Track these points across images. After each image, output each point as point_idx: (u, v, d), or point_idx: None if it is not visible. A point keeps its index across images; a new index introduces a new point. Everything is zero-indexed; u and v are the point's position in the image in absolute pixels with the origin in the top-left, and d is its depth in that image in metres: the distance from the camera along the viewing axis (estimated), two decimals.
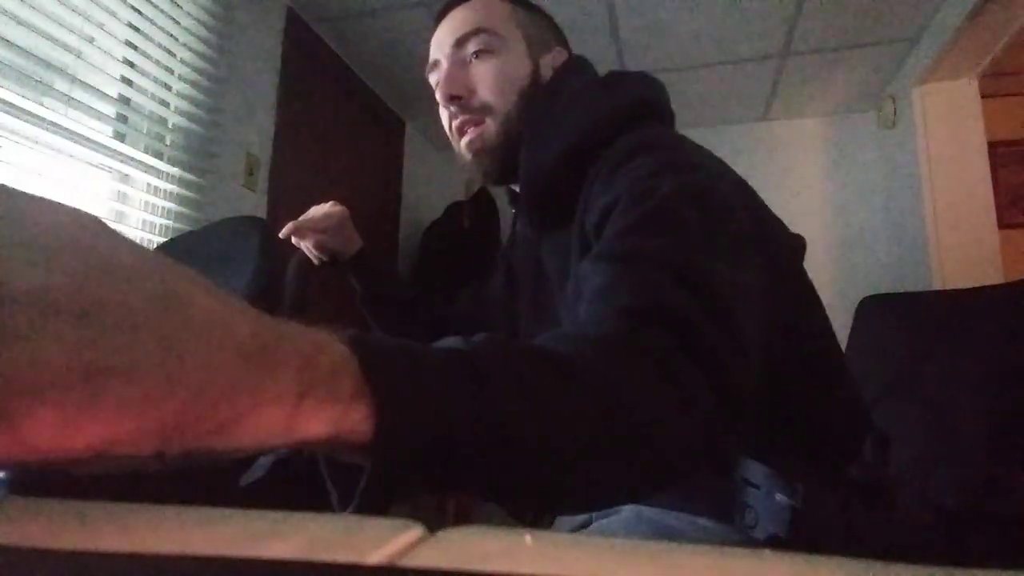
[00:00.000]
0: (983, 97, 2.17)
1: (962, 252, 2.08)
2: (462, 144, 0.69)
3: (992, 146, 2.22)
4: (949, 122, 2.17)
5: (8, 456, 0.18)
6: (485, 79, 0.67)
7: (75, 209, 0.21)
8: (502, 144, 0.67)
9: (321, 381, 0.24)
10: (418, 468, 0.27)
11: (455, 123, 0.69)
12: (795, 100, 2.65)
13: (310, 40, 2.11)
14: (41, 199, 0.20)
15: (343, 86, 2.35)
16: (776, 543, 0.47)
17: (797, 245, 0.63)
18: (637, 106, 0.64)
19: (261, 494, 0.37)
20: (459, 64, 0.68)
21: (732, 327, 0.40)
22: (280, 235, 0.84)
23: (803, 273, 0.63)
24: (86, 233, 0.20)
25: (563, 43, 0.75)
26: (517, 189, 0.71)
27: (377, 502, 0.27)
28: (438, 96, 0.69)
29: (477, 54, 0.68)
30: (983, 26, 1.83)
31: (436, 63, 0.70)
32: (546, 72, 0.70)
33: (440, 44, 0.70)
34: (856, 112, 2.72)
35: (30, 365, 0.17)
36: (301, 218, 0.84)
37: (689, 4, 1.98)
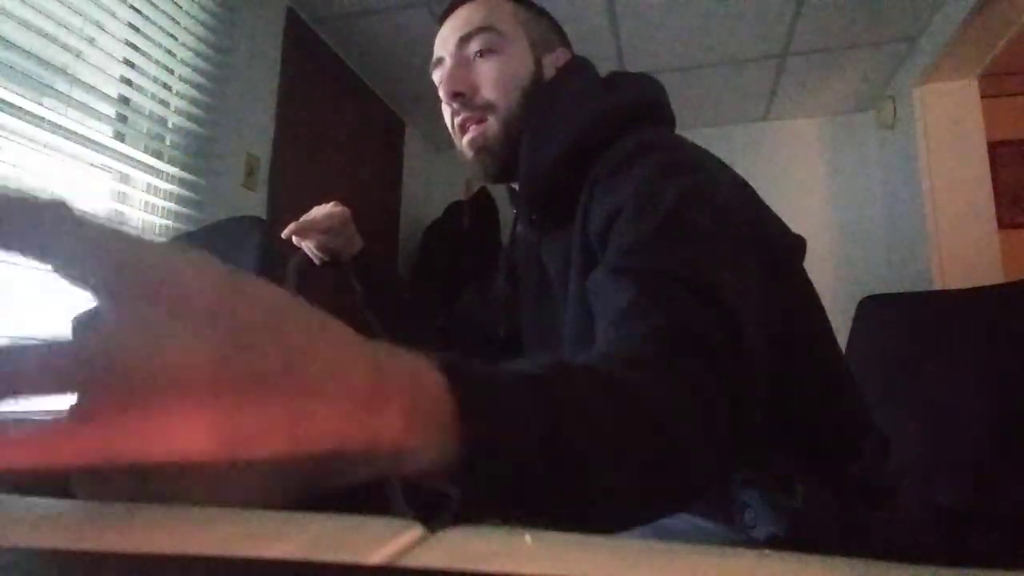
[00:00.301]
0: (983, 97, 2.17)
1: (962, 252, 2.08)
2: (464, 142, 0.69)
3: (992, 146, 2.22)
4: (949, 122, 2.17)
5: (152, 451, 0.18)
6: (488, 77, 0.67)
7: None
8: (503, 142, 0.67)
9: (423, 418, 0.25)
10: (500, 492, 0.28)
11: (457, 120, 0.69)
12: (795, 100, 2.65)
13: (310, 40, 2.11)
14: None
15: (343, 86, 2.35)
16: (776, 543, 0.47)
17: (797, 245, 0.63)
18: (637, 107, 0.64)
19: None
20: (463, 62, 0.68)
21: (743, 342, 0.42)
22: (282, 235, 0.84)
23: (803, 273, 0.63)
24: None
25: (566, 44, 0.75)
26: (517, 188, 0.71)
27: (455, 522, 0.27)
28: (441, 93, 0.69)
29: (481, 52, 0.68)
30: (983, 26, 1.83)
31: (440, 60, 0.71)
32: (548, 71, 0.70)
33: (444, 42, 0.70)
34: (856, 112, 2.72)
35: (190, 367, 0.18)
36: (303, 218, 0.84)
37: (690, 4, 1.98)
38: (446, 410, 0.26)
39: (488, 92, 0.67)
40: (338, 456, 0.21)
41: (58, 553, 0.16)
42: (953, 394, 0.99)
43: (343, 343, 0.23)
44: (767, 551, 0.17)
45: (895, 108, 2.42)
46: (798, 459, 0.55)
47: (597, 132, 0.61)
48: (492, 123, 0.67)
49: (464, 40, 0.68)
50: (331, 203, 0.87)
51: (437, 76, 0.71)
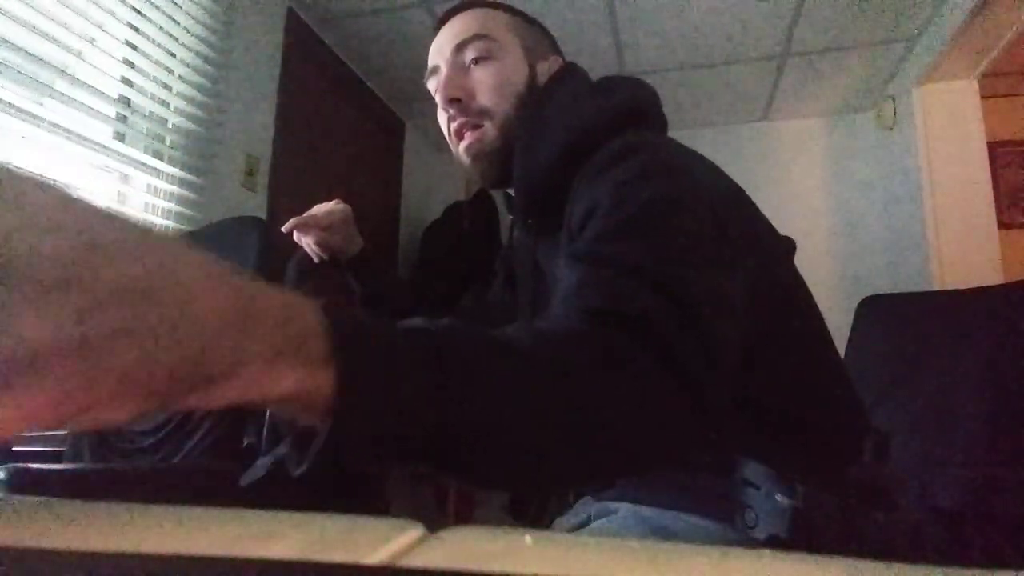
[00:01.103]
0: (983, 97, 2.17)
1: (962, 252, 2.08)
2: (460, 148, 0.70)
3: (992, 146, 2.22)
4: (949, 122, 2.17)
5: (11, 427, 0.19)
6: (484, 83, 0.68)
7: (62, 189, 0.22)
8: (499, 148, 0.68)
9: (293, 344, 0.26)
10: (375, 437, 0.29)
11: (454, 125, 0.70)
12: (795, 100, 2.65)
13: (310, 40, 2.11)
14: (28, 179, 0.21)
15: (343, 86, 2.35)
16: (776, 543, 0.47)
17: (787, 248, 0.63)
18: (626, 111, 0.64)
19: (261, 494, 0.37)
20: (459, 68, 0.69)
21: (702, 331, 0.42)
22: (283, 229, 0.84)
23: (795, 275, 0.63)
24: (72, 211, 0.21)
25: (558, 51, 0.76)
26: (513, 193, 0.71)
27: (329, 465, 0.29)
28: (437, 99, 0.70)
29: (476, 59, 0.69)
30: (983, 26, 1.83)
31: (436, 68, 0.71)
32: (542, 78, 0.71)
33: (440, 50, 0.71)
34: (856, 112, 2.72)
35: (25, 341, 0.18)
36: (305, 214, 0.85)
37: (689, 4, 1.98)
38: (319, 346, 0.27)
39: (484, 98, 0.68)
40: (202, 374, 0.23)
41: (58, 553, 0.16)
42: (953, 394, 0.99)
43: (208, 266, 0.24)
44: (767, 551, 0.17)
45: (895, 108, 2.42)
46: (798, 459, 0.55)
47: (585, 136, 0.61)
48: (488, 129, 0.68)
49: (460, 48, 0.69)
50: (332, 201, 0.87)
51: (432, 84, 0.72)
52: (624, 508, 0.62)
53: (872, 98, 2.59)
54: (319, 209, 0.86)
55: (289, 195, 1.95)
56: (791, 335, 0.58)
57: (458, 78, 0.68)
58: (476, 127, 0.68)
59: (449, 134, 0.72)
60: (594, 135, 0.61)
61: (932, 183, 2.16)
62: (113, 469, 1.14)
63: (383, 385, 0.29)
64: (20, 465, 0.91)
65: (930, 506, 0.88)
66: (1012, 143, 2.87)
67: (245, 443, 1.11)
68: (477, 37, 0.68)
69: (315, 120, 2.16)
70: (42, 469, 0.95)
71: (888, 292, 1.29)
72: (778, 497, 0.48)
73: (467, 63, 0.69)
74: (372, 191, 2.58)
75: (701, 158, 0.60)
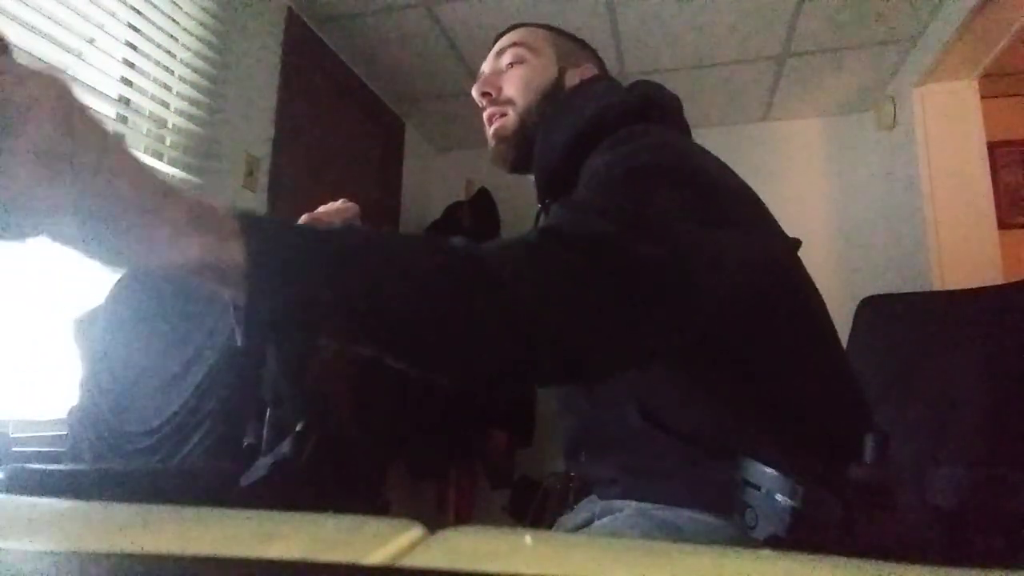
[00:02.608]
0: (983, 97, 2.16)
1: (962, 252, 2.08)
2: (490, 132, 0.79)
3: (992, 146, 2.22)
4: (949, 123, 2.17)
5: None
6: (512, 80, 0.78)
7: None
8: (519, 133, 0.76)
9: (207, 217, 0.36)
10: (285, 299, 0.37)
11: (485, 114, 0.80)
12: (795, 100, 2.64)
13: (310, 40, 2.11)
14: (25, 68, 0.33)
15: (343, 86, 2.34)
16: (776, 543, 0.47)
17: (793, 246, 0.64)
18: (638, 105, 0.70)
19: (261, 494, 0.37)
20: (495, 71, 0.80)
21: (677, 257, 0.46)
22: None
23: (802, 272, 0.63)
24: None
25: (597, 63, 0.83)
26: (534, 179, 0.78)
27: (254, 333, 0.38)
28: (474, 94, 0.80)
29: (511, 64, 0.79)
30: (983, 26, 1.83)
31: (480, 74, 0.82)
32: (571, 80, 0.78)
33: (486, 61, 0.83)
34: (856, 112, 2.72)
35: (29, 145, 0.31)
36: (314, 212, 0.86)
37: (689, 4, 1.98)
38: (230, 223, 0.37)
39: (509, 90, 0.78)
40: (129, 220, 0.34)
41: (58, 553, 0.16)
42: (953, 394, 0.99)
43: (139, 164, 0.36)
44: (767, 551, 0.17)
45: (895, 108, 2.42)
46: (798, 459, 0.55)
47: (598, 123, 0.67)
48: (511, 115, 0.77)
49: (498, 55, 0.81)
50: (340, 200, 0.88)
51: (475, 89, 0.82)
52: (629, 507, 0.63)
53: (872, 98, 2.59)
54: (327, 208, 0.86)
55: (289, 195, 1.94)
56: (797, 331, 0.60)
57: (493, 78, 0.79)
58: (502, 114, 0.78)
59: (486, 124, 0.81)
60: (605, 123, 0.67)
61: (932, 183, 2.16)
62: (113, 469, 1.14)
63: (288, 253, 0.37)
64: (20, 465, 0.91)
65: (930, 506, 0.88)
66: (1012, 143, 2.87)
67: (245, 443, 1.11)
68: (514, 45, 0.79)
69: (315, 120, 2.16)
70: (42, 469, 0.95)
71: (888, 292, 1.29)
72: (778, 497, 0.48)
73: (503, 67, 0.80)
74: (372, 191, 2.57)
75: (708, 153, 0.63)
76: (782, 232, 0.64)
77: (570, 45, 0.82)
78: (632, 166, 0.55)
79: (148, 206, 0.34)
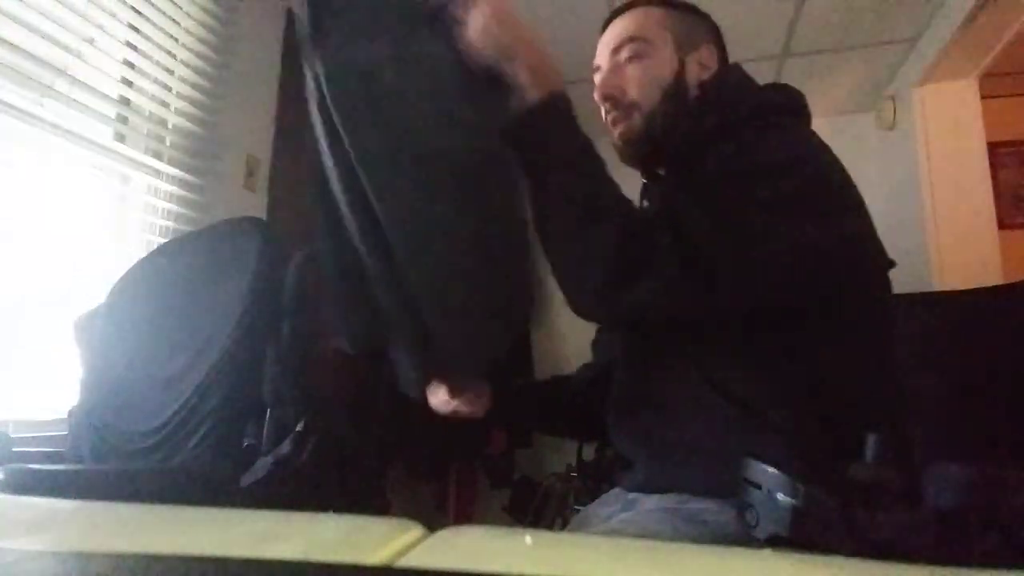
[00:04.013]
0: (983, 97, 2.16)
1: (962, 252, 2.07)
2: (615, 134, 0.83)
3: (992, 146, 2.22)
4: (949, 122, 2.16)
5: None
6: (633, 80, 0.80)
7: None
8: (645, 135, 0.80)
9: (540, 82, 0.64)
10: (543, 133, 0.63)
11: (609, 118, 0.83)
12: None
13: None
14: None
15: None
16: (777, 542, 0.48)
17: (885, 264, 0.76)
18: (783, 101, 0.76)
19: (261, 494, 0.37)
20: (614, 69, 0.82)
21: (741, 256, 0.59)
22: None
23: (880, 275, 0.77)
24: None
25: (714, 40, 0.84)
26: (658, 172, 0.85)
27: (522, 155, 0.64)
28: (595, 95, 0.83)
29: (629, 59, 0.80)
30: (983, 26, 1.83)
31: (597, 68, 0.85)
32: (691, 68, 0.80)
33: (600, 52, 0.85)
34: (856, 112, 2.72)
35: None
36: None
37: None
38: (548, 93, 0.63)
39: (634, 93, 0.79)
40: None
41: (58, 553, 0.16)
42: (953, 395, 0.99)
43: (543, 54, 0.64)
44: (767, 551, 0.17)
45: (895, 108, 2.42)
46: (799, 459, 0.55)
47: (744, 112, 0.73)
48: (636, 120, 0.80)
49: (615, 51, 0.82)
50: None
51: (597, 79, 0.85)
52: (651, 501, 0.67)
53: (872, 98, 2.59)
54: None
55: (289, 195, 1.94)
56: (857, 327, 0.71)
57: (613, 77, 0.81)
58: (627, 119, 0.80)
59: (606, 122, 0.84)
60: (750, 112, 0.73)
61: (932, 183, 2.16)
62: (113, 469, 1.14)
63: (556, 123, 0.63)
64: (20, 465, 0.91)
65: (930, 506, 0.88)
66: (1012, 143, 2.87)
67: (245, 443, 1.11)
68: (631, 39, 0.80)
69: None
70: (42, 469, 0.95)
71: None
72: (779, 496, 0.48)
73: (622, 63, 0.81)
74: None
75: (828, 150, 0.69)
76: (880, 246, 0.74)
77: (687, 23, 0.82)
78: (759, 161, 0.64)
79: (529, 67, 0.64)
